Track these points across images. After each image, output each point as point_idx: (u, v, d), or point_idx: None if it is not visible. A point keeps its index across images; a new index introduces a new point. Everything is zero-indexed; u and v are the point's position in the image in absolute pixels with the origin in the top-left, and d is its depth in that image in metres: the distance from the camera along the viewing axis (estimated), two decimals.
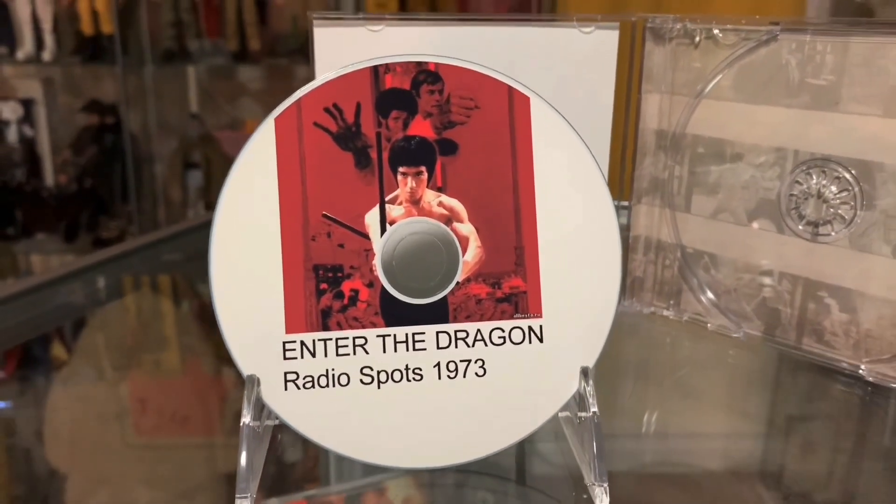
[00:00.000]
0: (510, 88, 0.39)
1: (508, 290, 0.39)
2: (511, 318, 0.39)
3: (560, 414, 0.40)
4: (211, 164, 2.07)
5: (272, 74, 2.11)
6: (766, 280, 0.51)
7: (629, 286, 0.58)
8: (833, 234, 0.47)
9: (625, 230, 0.56)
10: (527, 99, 0.39)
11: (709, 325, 0.54)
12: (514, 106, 0.39)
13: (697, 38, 0.51)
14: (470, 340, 0.38)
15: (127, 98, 1.96)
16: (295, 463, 0.42)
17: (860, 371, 0.47)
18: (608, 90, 0.54)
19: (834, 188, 0.47)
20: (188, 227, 0.89)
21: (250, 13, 2.01)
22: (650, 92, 0.54)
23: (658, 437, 0.45)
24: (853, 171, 0.46)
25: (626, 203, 0.57)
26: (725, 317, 0.53)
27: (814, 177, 0.47)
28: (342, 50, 0.51)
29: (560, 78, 0.53)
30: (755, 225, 0.51)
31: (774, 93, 0.48)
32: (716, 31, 0.50)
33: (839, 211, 0.47)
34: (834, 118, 0.46)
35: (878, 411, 0.46)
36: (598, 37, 0.52)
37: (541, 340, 0.39)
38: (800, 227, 0.49)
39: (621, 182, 0.56)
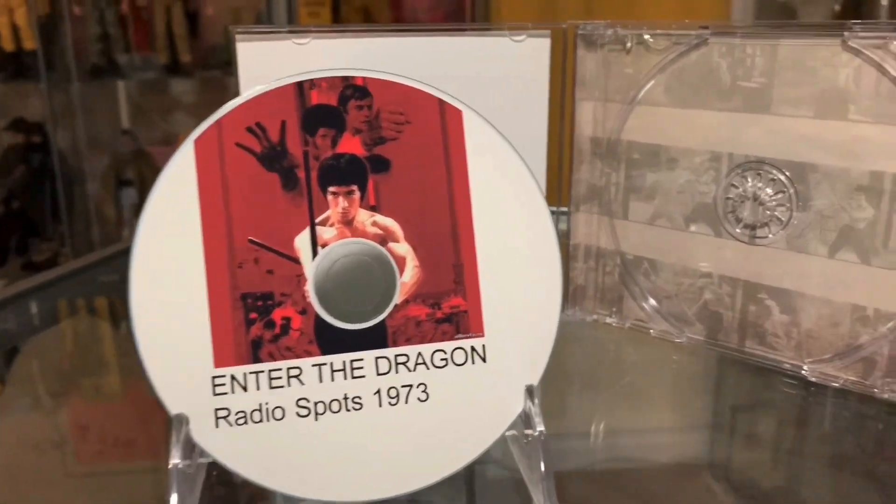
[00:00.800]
0: (441, 102, 0.38)
1: (449, 309, 0.37)
2: (452, 338, 0.37)
3: (507, 433, 0.39)
4: (145, 181, 2.01)
5: (206, 87, 2.07)
6: (706, 284, 0.51)
7: (571, 294, 0.57)
8: (770, 235, 0.47)
9: (564, 237, 0.56)
10: (459, 112, 0.38)
11: (651, 331, 0.54)
12: (446, 119, 0.38)
13: (629, 44, 0.51)
14: (411, 364, 0.37)
15: (54, 115, 1.88)
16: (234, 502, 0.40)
17: (803, 371, 0.47)
18: (542, 98, 0.53)
19: (769, 190, 0.47)
20: (125, 248, 0.85)
21: (179, 26, 1.96)
22: (584, 99, 0.53)
23: (605, 444, 0.45)
24: (787, 173, 0.46)
25: (564, 209, 0.56)
26: (668, 322, 0.53)
27: (749, 179, 0.47)
28: (268, 65, 0.50)
29: (494, 87, 0.52)
30: (693, 229, 0.50)
31: (707, 97, 0.48)
32: (646, 37, 0.50)
33: (775, 213, 0.47)
34: (766, 120, 0.46)
35: (820, 410, 0.46)
36: (529, 45, 0.52)
37: (484, 360, 0.38)
38: (737, 230, 0.49)
39: (559, 190, 0.55)
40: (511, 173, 0.38)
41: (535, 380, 0.38)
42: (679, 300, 0.52)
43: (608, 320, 0.56)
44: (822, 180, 0.45)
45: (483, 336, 0.38)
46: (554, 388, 0.50)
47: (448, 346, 0.37)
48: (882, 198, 0.43)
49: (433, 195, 0.37)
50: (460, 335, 0.37)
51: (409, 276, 0.37)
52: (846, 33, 0.42)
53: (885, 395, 0.44)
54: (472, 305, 0.37)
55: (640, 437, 0.46)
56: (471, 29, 0.51)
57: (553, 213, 0.55)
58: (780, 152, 0.46)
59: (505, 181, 0.38)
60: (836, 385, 0.46)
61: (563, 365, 0.54)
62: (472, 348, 0.37)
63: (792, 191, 0.46)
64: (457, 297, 0.37)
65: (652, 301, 0.54)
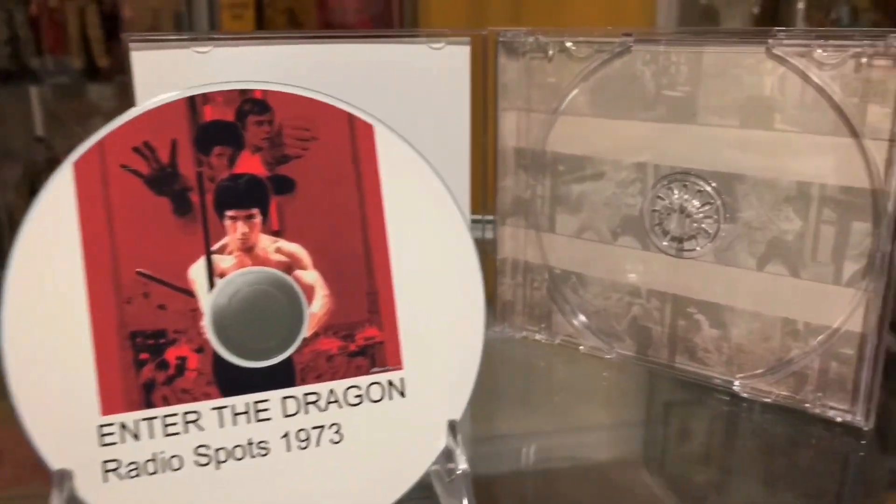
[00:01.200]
0: (350, 116, 0.35)
1: (363, 341, 0.35)
2: (368, 373, 0.35)
3: (431, 467, 0.36)
4: None
5: (125, 92, 1.98)
6: (635, 298, 0.49)
7: (499, 311, 0.55)
8: (698, 248, 0.46)
9: (491, 252, 0.54)
10: (370, 127, 0.35)
11: (581, 347, 0.52)
12: (356, 135, 0.35)
13: (551, 52, 0.49)
14: (322, 403, 0.34)
15: None
16: None
17: (734, 387, 0.46)
18: (463, 108, 0.51)
19: (696, 202, 0.45)
20: None
21: (94, 28, 1.88)
22: (507, 109, 0.51)
23: (536, 463, 0.43)
24: (714, 184, 0.44)
25: (490, 217, 0.54)
26: (597, 338, 0.51)
27: (675, 191, 0.46)
28: (166, 76, 0.46)
29: (412, 98, 0.49)
30: (620, 242, 0.49)
31: (631, 106, 0.46)
32: (568, 44, 0.48)
33: (702, 225, 0.45)
34: (692, 130, 0.45)
35: (751, 427, 0.45)
36: (449, 53, 0.49)
37: (402, 395, 0.35)
38: (664, 243, 0.47)
39: (484, 205, 0.53)
40: (428, 192, 0.35)
41: (457, 414, 0.35)
42: (608, 315, 0.51)
43: (537, 336, 0.54)
44: (750, 191, 0.43)
45: (401, 369, 0.35)
46: (482, 409, 0.48)
47: (363, 381, 0.34)
48: (809, 209, 0.42)
49: (343, 217, 0.34)
50: (376, 369, 0.35)
51: (318, 307, 0.34)
52: (770, 41, 0.41)
53: (817, 411, 0.43)
54: (389, 336, 0.35)
55: (571, 456, 0.44)
56: (387, 36, 0.48)
57: (477, 221, 0.53)
58: (707, 163, 0.44)
59: (421, 200, 0.35)
60: (768, 401, 0.45)
61: (491, 385, 0.52)
62: (390, 382, 0.35)
63: (719, 202, 0.44)
64: (372, 327, 0.35)
65: (581, 316, 0.52)
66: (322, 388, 0.34)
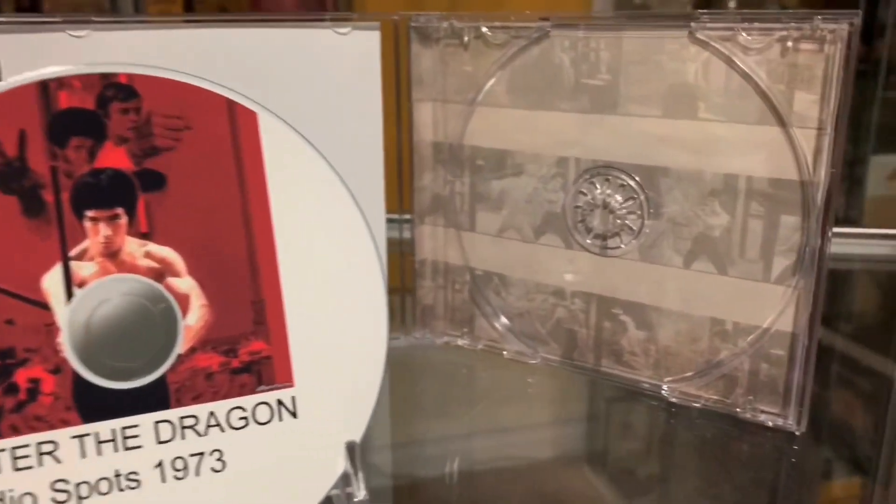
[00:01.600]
0: (230, 103, 0.31)
1: (248, 356, 0.31)
2: (254, 391, 0.31)
3: (331, 492, 0.32)
4: None
5: None
6: (559, 300, 0.46)
7: (419, 315, 0.51)
8: (622, 246, 0.43)
9: (410, 253, 0.50)
10: (253, 115, 0.31)
11: (505, 352, 0.49)
12: (237, 124, 0.31)
13: (466, 38, 0.45)
14: (201, 428, 0.30)
15: None
16: None
17: (662, 391, 0.44)
18: (375, 99, 0.47)
19: (619, 197, 0.43)
20: None
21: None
22: (421, 100, 0.48)
23: (460, 474, 0.39)
24: (637, 178, 0.42)
25: (408, 215, 0.50)
26: (521, 342, 0.48)
27: (598, 186, 0.43)
28: (37, 62, 0.41)
29: (318, 88, 0.45)
30: (542, 241, 0.46)
31: (551, 96, 0.43)
32: (484, 30, 0.45)
33: (626, 221, 0.43)
34: (613, 121, 0.42)
35: (680, 433, 0.43)
36: (356, 38, 0.45)
37: (294, 415, 0.31)
38: (588, 241, 0.44)
39: (400, 202, 0.50)
40: (321, 186, 0.32)
41: (357, 434, 0.32)
42: (532, 318, 0.48)
43: (460, 342, 0.51)
44: (674, 185, 0.41)
45: (292, 386, 0.31)
46: (401, 420, 0.44)
47: (248, 401, 0.31)
48: (736, 202, 0.39)
49: (223, 217, 0.31)
50: (263, 387, 0.31)
51: (194, 319, 0.30)
52: (693, 24, 0.38)
53: (748, 415, 0.41)
54: (278, 349, 0.31)
55: (490, 464, 0.41)
56: (287, 20, 0.44)
57: (394, 220, 0.50)
58: (629, 155, 0.42)
59: (313, 196, 0.32)
60: (697, 406, 0.43)
61: (407, 395, 0.48)
62: (280, 402, 0.31)
63: (643, 197, 0.42)
64: (258, 340, 0.31)
65: (504, 319, 0.49)
66: (201, 410, 0.30)
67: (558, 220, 0.45)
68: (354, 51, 0.46)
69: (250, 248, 0.31)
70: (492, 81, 0.45)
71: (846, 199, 1.30)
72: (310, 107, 0.45)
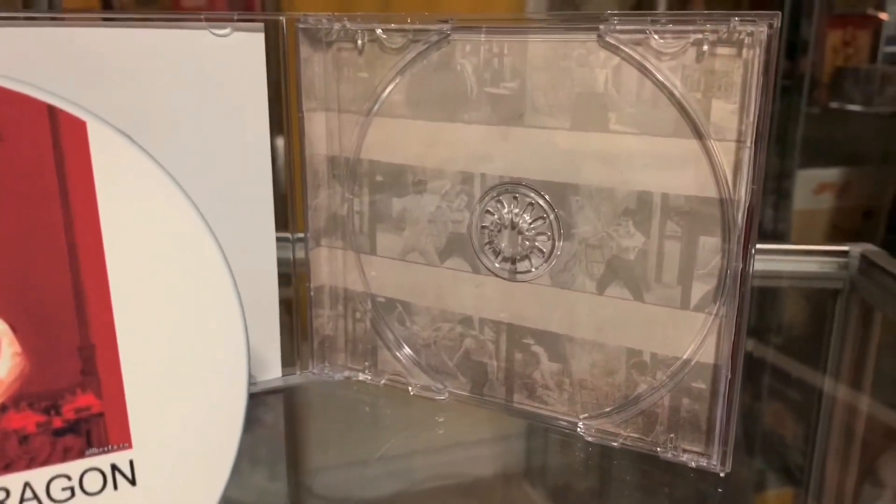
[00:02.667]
0: (52, 109, 0.26)
1: (74, 414, 0.26)
2: (82, 456, 0.26)
3: None
4: None
5: None
6: (467, 329, 0.42)
7: (317, 348, 0.47)
8: (532, 270, 0.39)
9: (306, 281, 0.45)
10: (81, 124, 0.26)
11: (410, 388, 0.44)
12: (60, 134, 0.26)
13: (360, 42, 0.41)
14: (13, 502, 0.25)
15: None
16: None
17: (578, 429, 0.40)
18: (260, 109, 0.42)
19: (528, 217, 0.39)
20: None
21: None
22: (313, 110, 0.43)
23: None
24: (546, 196, 0.38)
25: (301, 235, 0.45)
26: (428, 376, 0.44)
27: (505, 204, 0.39)
28: None
29: (193, 96, 0.40)
30: (448, 264, 0.42)
31: (453, 106, 0.39)
32: (379, 32, 0.40)
33: (536, 243, 0.39)
34: (519, 134, 0.38)
35: (595, 476, 0.39)
36: (237, 41, 0.41)
37: (133, 482, 0.26)
38: (496, 265, 0.40)
39: (292, 223, 0.45)
40: (164, 209, 0.27)
41: (211, 502, 0.27)
42: (438, 349, 0.43)
43: (361, 377, 0.46)
44: (585, 203, 0.37)
45: (130, 448, 0.26)
46: (299, 467, 0.40)
47: (74, 467, 0.25)
48: (651, 222, 0.36)
49: (42, 245, 0.25)
50: (94, 450, 0.26)
51: (5, 370, 0.25)
52: (602, 26, 0.35)
53: (669, 455, 0.37)
54: (112, 405, 0.26)
55: None
56: (157, 19, 0.39)
57: (284, 239, 0.45)
58: (538, 171, 0.38)
59: (155, 221, 0.27)
60: (615, 444, 0.39)
61: (309, 435, 0.44)
62: (114, 467, 0.26)
63: (552, 216, 0.38)
64: (86, 393, 0.26)
65: (408, 351, 0.44)
66: (13, 481, 0.25)
67: (464, 242, 0.41)
68: (236, 54, 0.41)
69: (77, 284, 0.26)
70: (389, 89, 0.41)
71: (774, 213, 1.31)
72: (184, 117, 0.40)
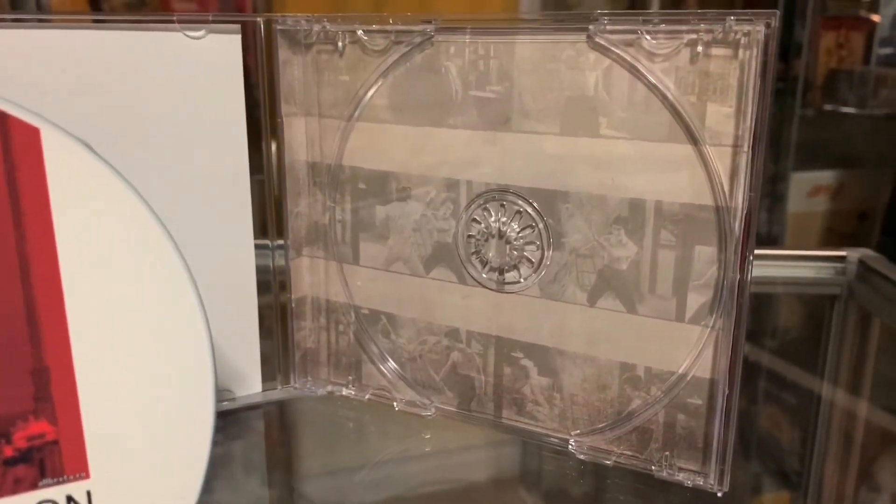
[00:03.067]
0: (3, 115, 0.24)
1: (26, 442, 0.24)
2: (35, 487, 0.24)
3: None
4: None
5: None
6: (454, 342, 0.40)
7: (299, 362, 0.45)
8: (521, 280, 0.38)
9: (287, 292, 0.44)
10: (34, 131, 0.24)
11: (395, 404, 0.43)
12: (10, 142, 0.24)
13: (341, 44, 0.40)
14: None
15: None
16: None
17: (570, 447, 0.38)
18: (237, 113, 0.41)
19: (515, 225, 0.37)
20: None
21: None
22: (293, 115, 0.42)
23: None
24: (535, 204, 0.36)
25: (281, 242, 0.44)
26: (413, 390, 0.42)
27: (492, 213, 0.38)
28: None
29: (168, 101, 0.39)
30: (433, 275, 0.40)
31: (437, 110, 0.38)
32: (360, 34, 0.39)
33: (524, 253, 0.37)
34: (506, 139, 0.36)
35: (587, 499, 0.37)
36: (213, 43, 0.39)
37: None
38: (483, 275, 0.39)
39: (272, 230, 0.43)
40: (126, 223, 0.25)
41: None
42: (424, 363, 0.42)
43: (345, 391, 0.44)
44: (575, 211, 0.36)
45: (87, 478, 0.24)
46: (279, 489, 0.38)
47: (27, 500, 0.24)
48: (644, 231, 0.34)
49: None
50: (48, 480, 0.24)
51: None
52: (591, 27, 0.33)
53: (664, 474, 0.36)
54: (68, 432, 0.24)
55: None
56: (126, 21, 0.37)
57: (263, 246, 0.43)
58: (526, 178, 0.37)
59: (115, 233, 0.25)
60: (608, 463, 0.37)
61: (291, 452, 0.42)
62: (70, 499, 0.24)
63: (541, 225, 0.37)
64: (39, 420, 0.24)
65: (393, 365, 0.43)
66: None
67: (450, 252, 0.39)
68: (211, 58, 0.39)
69: (29, 302, 0.24)
70: (371, 93, 0.39)
71: (768, 216, 1.30)
72: (158, 124, 0.38)
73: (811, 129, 1.32)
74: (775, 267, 0.70)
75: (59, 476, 0.24)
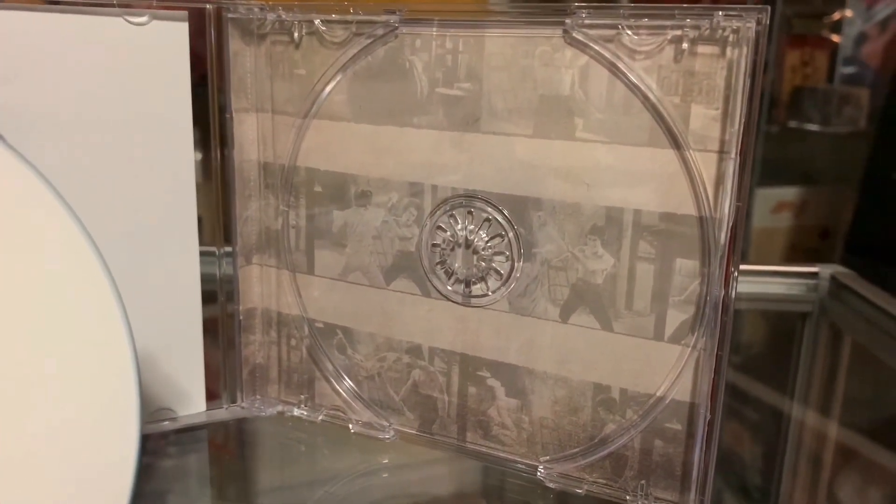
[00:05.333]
0: None
1: None
2: None
3: None
4: None
5: None
6: (416, 359, 0.37)
7: (247, 379, 0.42)
8: (489, 294, 0.35)
9: (234, 303, 0.40)
10: None
11: (351, 426, 0.39)
12: None
13: (297, 35, 0.37)
14: None
15: None
16: None
17: (539, 474, 0.35)
18: (183, 107, 0.37)
19: (484, 234, 0.35)
20: None
21: None
22: (243, 110, 0.38)
23: None
24: (504, 211, 0.34)
25: (228, 248, 0.40)
26: (371, 411, 0.39)
27: (459, 220, 0.35)
28: None
29: (106, 91, 0.35)
30: (394, 286, 0.37)
31: (400, 108, 0.35)
32: (318, 24, 0.36)
33: (493, 264, 0.35)
34: (475, 141, 0.34)
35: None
36: (156, 30, 0.36)
37: None
38: (449, 288, 0.36)
39: (221, 235, 0.40)
40: (41, 221, 0.22)
41: None
42: (383, 382, 0.39)
43: (297, 411, 0.41)
44: (548, 220, 0.33)
45: None
46: None
47: None
48: (622, 242, 0.32)
49: None
50: None
51: None
52: (568, 20, 0.31)
53: (639, 503, 0.33)
54: None
55: None
56: (65, 2, 0.34)
57: (209, 254, 0.40)
58: (495, 183, 0.34)
59: (28, 230, 0.22)
60: (580, 492, 0.34)
61: (233, 479, 0.39)
62: None
63: (511, 234, 0.34)
64: None
65: (349, 383, 0.40)
66: None
67: (413, 262, 0.37)
68: (156, 46, 0.36)
69: None
70: (329, 89, 0.36)
71: None
72: (95, 116, 0.35)
73: (776, 146, 1.33)
74: (746, 283, 0.68)
75: None
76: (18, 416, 0.21)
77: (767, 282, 0.68)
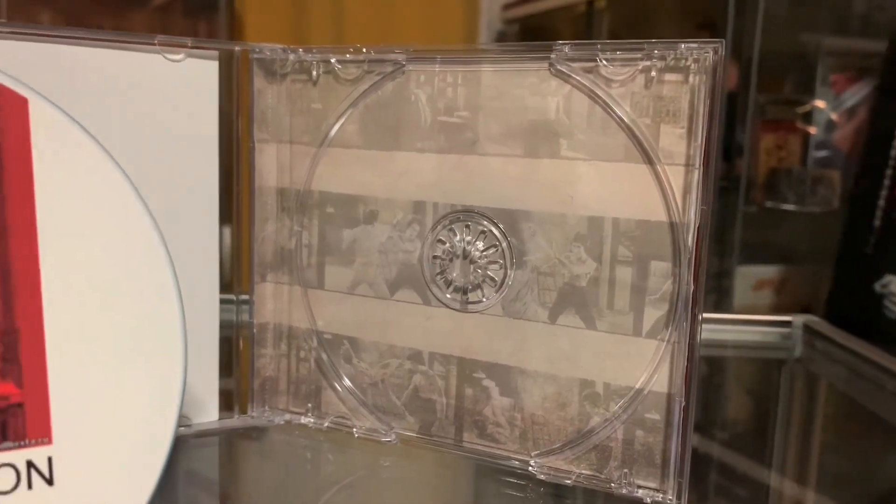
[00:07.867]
0: None
1: None
2: None
3: None
4: None
5: None
6: (417, 365, 0.41)
7: (258, 390, 0.45)
8: (484, 300, 0.39)
9: (249, 318, 0.44)
10: (23, 101, 0.25)
11: (355, 431, 0.42)
12: (2, 112, 0.25)
13: (315, 73, 0.41)
14: None
15: None
16: None
17: (530, 468, 0.38)
18: (210, 137, 0.42)
19: (480, 245, 0.39)
20: None
21: None
22: (265, 141, 0.43)
23: None
24: (499, 224, 0.38)
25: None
26: (374, 416, 0.42)
27: (457, 233, 0.39)
28: None
29: (142, 119, 0.40)
30: (398, 297, 0.41)
31: (407, 136, 0.40)
32: (334, 62, 0.41)
33: (488, 272, 0.39)
34: (472, 162, 0.38)
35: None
36: (190, 67, 0.41)
37: (50, 482, 0.24)
38: (447, 296, 0.40)
39: (237, 256, 0.44)
40: (106, 192, 0.26)
41: None
42: (386, 388, 0.42)
43: (304, 420, 0.44)
44: (537, 230, 0.37)
45: (50, 444, 0.24)
46: None
47: None
48: (603, 248, 0.36)
49: None
50: (9, 443, 0.23)
51: None
52: (553, 55, 0.36)
53: (623, 491, 0.36)
54: (33, 395, 0.24)
55: None
56: (107, 39, 0.39)
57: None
58: (490, 199, 0.38)
59: (95, 204, 0.25)
60: (568, 482, 0.37)
61: (242, 486, 0.41)
62: (30, 464, 0.24)
63: (505, 244, 0.38)
64: (6, 381, 0.24)
65: (354, 391, 0.43)
66: None
67: (415, 273, 0.40)
68: (188, 81, 0.41)
69: (4, 264, 0.24)
70: (342, 120, 0.41)
71: (714, 311, 1.33)
72: (131, 142, 0.39)
73: (754, 225, 1.38)
74: (723, 332, 0.72)
75: (21, 440, 0.24)
76: (81, 365, 0.25)
77: (744, 330, 0.72)
